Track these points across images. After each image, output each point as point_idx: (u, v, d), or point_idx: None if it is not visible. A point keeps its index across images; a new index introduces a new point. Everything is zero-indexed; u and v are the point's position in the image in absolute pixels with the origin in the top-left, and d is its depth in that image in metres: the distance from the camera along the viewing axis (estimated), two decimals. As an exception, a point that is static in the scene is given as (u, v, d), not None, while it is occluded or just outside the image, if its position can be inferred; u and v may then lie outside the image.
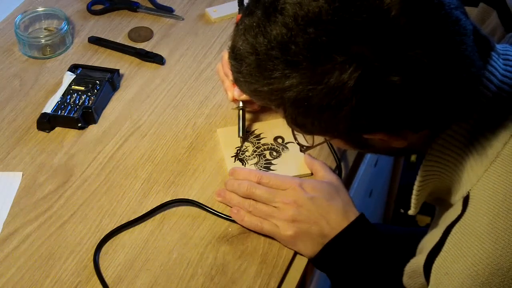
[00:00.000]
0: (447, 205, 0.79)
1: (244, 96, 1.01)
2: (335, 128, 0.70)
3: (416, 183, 0.80)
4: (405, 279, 0.84)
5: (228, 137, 1.05)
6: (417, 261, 0.80)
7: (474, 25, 0.72)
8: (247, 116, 1.06)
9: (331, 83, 0.65)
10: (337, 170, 1.01)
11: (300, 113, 0.70)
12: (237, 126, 1.04)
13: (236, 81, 0.74)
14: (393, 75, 0.64)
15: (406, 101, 0.66)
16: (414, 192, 0.81)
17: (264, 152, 1.03)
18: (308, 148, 0.92)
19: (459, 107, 0.71)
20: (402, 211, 1.99)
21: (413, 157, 1.98)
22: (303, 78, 0.66)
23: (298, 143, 0.93)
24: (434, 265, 0.74)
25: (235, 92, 1.01)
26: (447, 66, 0.66)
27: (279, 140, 1.05)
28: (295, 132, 0.93)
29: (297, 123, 0.73)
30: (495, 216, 0.68)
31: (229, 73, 0.98)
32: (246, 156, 1.02)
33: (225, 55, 1.02)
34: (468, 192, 0.73)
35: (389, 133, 0.72)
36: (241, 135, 1.03)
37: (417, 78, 0.65)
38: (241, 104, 1.03)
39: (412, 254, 0.84)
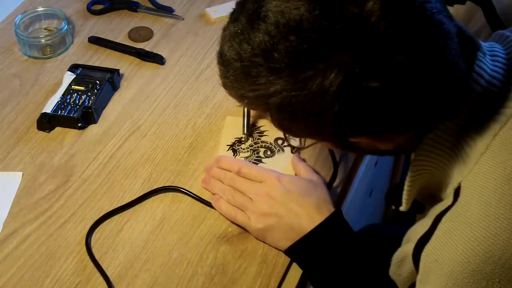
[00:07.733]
0: (438, 202, 0.79)
1: None
2: (320, 132, 0.72)
3: (407, 179, 0.81)
4: (393, 269, 0.84)
5: (232, 127, 1.05)
6: (406, 250, 0.80)
7: (460, 27, 0.72)
8: (252, 112, 1.06)
9: (313, 89, 0.65)
10: (334, 169, 1.00)
11: (286, 118, 0.71)
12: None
13: (225, 86, 0.75)
14: (373, 80, 0.64)
15: (387, 105, 0.67)
16: (405, 188, 0.82)
17: (259, 149, 1.03)
18: (298, 149, 0.93)
19: (445, 109, 0.72)
20: (393, 207, 1.98)
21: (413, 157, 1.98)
22: (286, 84, 0.67)
23: (289, 144, 0.94)
24: (423, 253, 0.74)
25: None
26: (429, 71, 0.66)
27: (279, 142, 1.05)
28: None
29: (284, 127, 0.75)
30: (486, 205, 0.68)
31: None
32: (241, 148, 1.03)
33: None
34: (459, 184, 0.73)
35: (373, 136, 0.73)
36: (245, 131, 1.03)
37: (398, 84, 0.65)
38: None
39: None
